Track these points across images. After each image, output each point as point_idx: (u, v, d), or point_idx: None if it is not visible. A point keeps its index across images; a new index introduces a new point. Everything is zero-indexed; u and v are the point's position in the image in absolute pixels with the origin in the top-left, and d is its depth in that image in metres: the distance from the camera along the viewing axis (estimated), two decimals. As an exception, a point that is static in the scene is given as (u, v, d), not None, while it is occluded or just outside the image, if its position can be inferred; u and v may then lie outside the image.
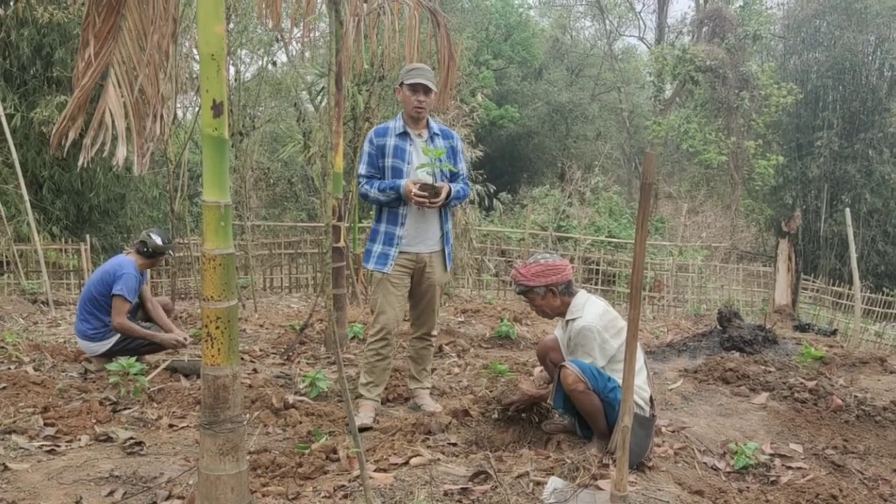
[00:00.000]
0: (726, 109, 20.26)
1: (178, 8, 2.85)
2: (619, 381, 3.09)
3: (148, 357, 5.13)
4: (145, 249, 5.15)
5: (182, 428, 3.91)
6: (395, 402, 4.60)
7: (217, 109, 2.45)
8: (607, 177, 21.19)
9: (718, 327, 6.43)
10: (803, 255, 13.95)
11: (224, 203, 2.50)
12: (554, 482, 2.85)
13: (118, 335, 4.98)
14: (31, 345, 5.62)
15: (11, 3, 10.14)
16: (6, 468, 3.13)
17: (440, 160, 3.97)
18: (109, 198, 12.37)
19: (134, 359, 4.57)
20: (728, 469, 3.51)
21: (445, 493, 2.80)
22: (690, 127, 20.26)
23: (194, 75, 9.17)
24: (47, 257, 9.50)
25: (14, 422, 3.70)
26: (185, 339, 5.12)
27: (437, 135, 4.21)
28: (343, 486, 2.92)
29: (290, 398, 4.33)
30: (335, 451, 3.38)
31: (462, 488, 2.84)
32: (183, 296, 10.52)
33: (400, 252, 4.08)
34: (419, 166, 4.00)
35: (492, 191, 13.54)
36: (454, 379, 5.28)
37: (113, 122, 2.75)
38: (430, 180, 3.94)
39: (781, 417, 4.28)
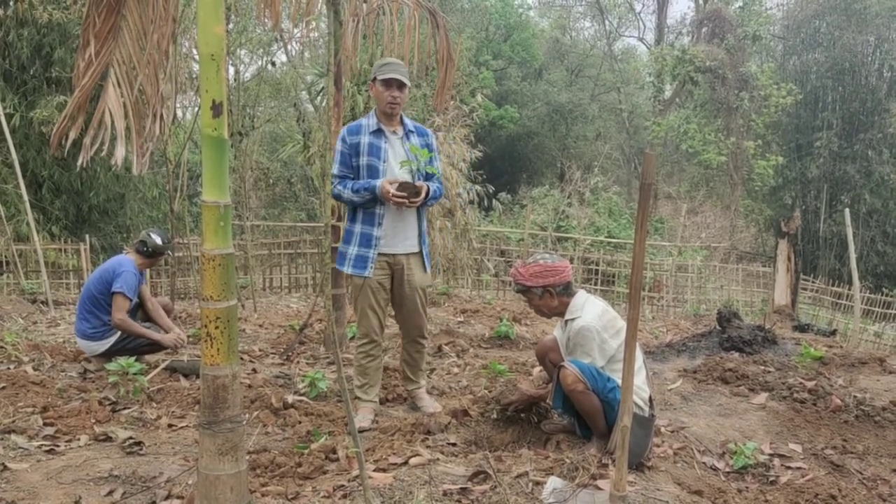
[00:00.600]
0: (726, 110, 20.27)
1: (178, 8, 2.85)
2: (619, 381, 3.09)
3: (147, 357, 5.13)
4: (145, 249, 5.16)
5: (181, 428, 3.91)
6: (394, 402, 4.60)
7: (216, 109, 2.45)
8: (607, 177, 21.20)
9: (718, 327, 6.44)
10: (803, 256, 13.96)
11: (223, 203, 2.50)
12: (553, 482, 2.85)
13: (118, 335, 4.99)
14: (31, 344, 5.62)
15: (11, 4, 10.13)
16: (5, 468, 3.13)
17: (425, 161, 3.88)
18: (109, 197, 12.37)
19: (133, 358, 4.57)
20: (727, 469, 3.51)
21: (445, 493, 2.80)
22: (690, 127, 20.27)
23: (194, 75, 9.17)
24: (47, 257, 9.50)
25: (13, 421, 3.70)
26: (184, 339, 5.13)
27: (412, 132, 4.11)
28: (342, 485, 2.92)
29: (290, 398, 4.33)
30: (334, 451, 3.38)
31: (461, 488, 2.84)
32: (182, 296, 10.52)
33: (378, 254, 3.98)
34: (402, 164, 3.89)
35: (491, 191, 13.54)
36: (453, 379, 5.28)
37: (112, 121, 2.75)
38: (408, 179, 3.85)
39: (780, 417, 4.28)
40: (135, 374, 4.37)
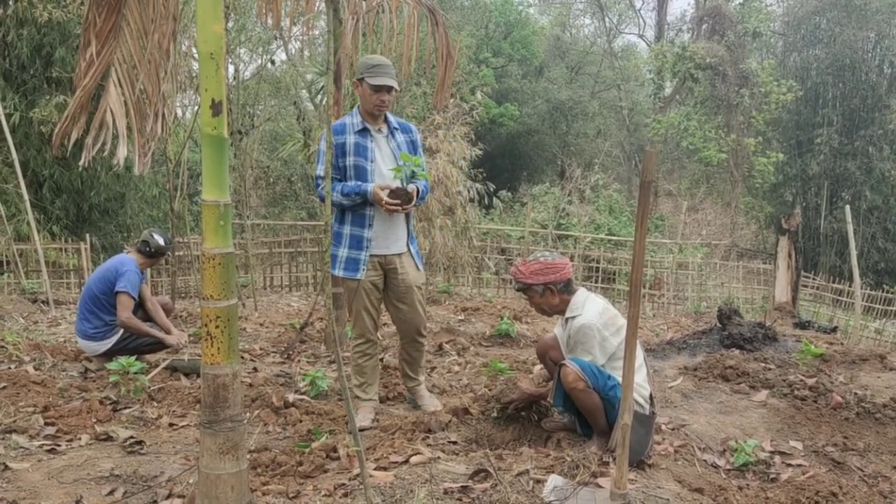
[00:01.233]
0: (726, 107, 20.25)
1: (178, 6, 2.85)
2: (619, 379, 3.09)
3: (148, 356, 5.13)
4: (147, 249, 5.16)
5: (182, 427, 3.92)
6: (394, 400, 4.61)
7: (216, 108, 2.45)
8: (607, 174, 21.21)
9: (718, 325, 6.43)
10: (803, 253, 13.98)
11: (223, 202, 2.50)
12: (554, 480, 2.85)
13: (119, 335, 4.99)
14: (32, 344, 5.62)
15: (11, 3, 10.13)
16: (6, 467, 3.13)
17: (415, 167, 3.81)
18: (109, 197, 12.37)
19: (134, 358, 4.58)
20: (728, 466, 3.51)
21: (445, 492, 2.80)
22: (690, 124, 20.26)
23: (193, 74, 9.16)
24: (47, 256, 9.50)
25: (14, 421, 3.71)
26: (186, 339, 5.14)
27: (397, 129, 4.06)
28: (343, 484, 2.92)
29: (291, 397, 4.33)
30: (335, 450, 3.39)
31: (462, 486, 2.84)
32: (183, 295, 10.53)
33: (370, 255, 3.94)
34: (396, 175, 3.80)
35: (492, 189, 13.53)
36: (454, 377, 5.28)
37: (114, 121, 2.75)
38: (397, 184, 3.80)
39: (781, 415, 4.28)
40: (135, 373, 4.37)
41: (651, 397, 3.38)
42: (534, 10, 31.34)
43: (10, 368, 4.80)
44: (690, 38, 22.80)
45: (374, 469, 3.05)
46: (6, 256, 9.14)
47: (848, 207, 9.72)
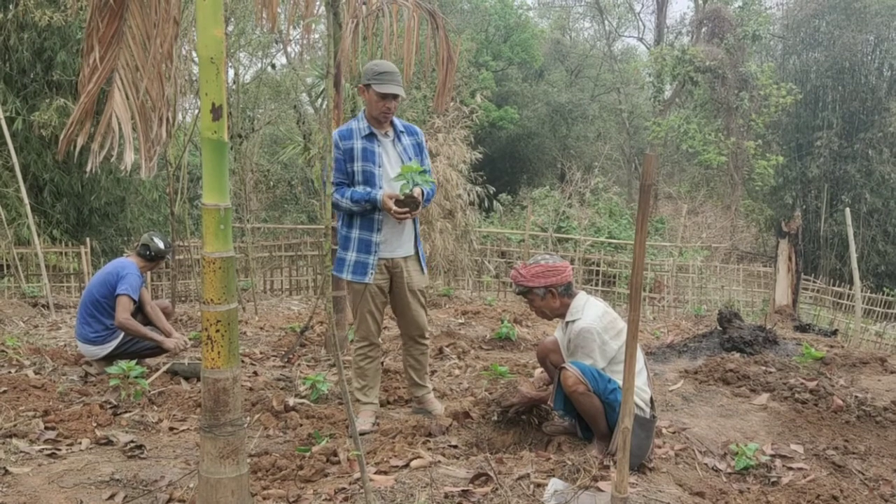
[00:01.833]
0: (726, 110, 20.27)
1: (180, 10, 2.85)
2: (620, 383, 3.09)
3: (148, 360, 5.13)
4: (147, 252, 5.17)
5: (182, 431, 3.92)
6: (395, 404, 4.60)
7: (216, 113, 2.45)
8: (607, 178, 21.19)
9: (719, 328, 6.43)
10: (803, 256, 13.96)
11: (224, 206, 2.50)
12: (554, 484, 2.85)
13: (119, 339, 4.99)
14: (32, 348, 5.63)
15: (11, 7, 10.14)
16: (7, 472, 3.13)
17: (417, 175, 3.81)
18: (110, 201, 12.38)
19: (134, 362, 4.58)
20: (729, 470, 3.51)
21: (446, 496, 2.80)
22: (690, 127, 20.27)
23: (193, 78, 9.17)
24: (47, 260, 9.51)
25: (15, 425, 3.71)
26: (185, 343, 5.13)
27: (402, 132, 4.07)
28: (344, 488, 2.92)
29: (291, 401, 4.33)
30: (336, 454, 3.38)
31: (463, 490, 2.84)
32: (183, 298, 10.53)
33: (378, 258, 3.95)
34: (401, 188, 3.80)
35: (491, 192, 13.54)
36: (454, 381, 5.28)
37: (120, 126, 2.75)
38: (405, 190, 3.80)
39: (782, 418, 4.27)
40: (136, 377, 4.37)
41: (651, 401, 3.38)
42: (533, 13, 31.43)
43: (10, 372, 4.80)
44: (690, 41, 22.82)
45: (375, 473, 3.05)
46: (6, 260, 9.14)
47: (848, 210, 9.73)
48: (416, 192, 3.80)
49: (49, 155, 10.83)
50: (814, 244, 20.27)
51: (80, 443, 3.59)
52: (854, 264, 9.58)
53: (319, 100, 16.66)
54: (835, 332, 8.62)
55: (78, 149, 2.79)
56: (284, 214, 18.81)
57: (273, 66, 16.34)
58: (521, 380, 4.07)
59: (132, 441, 3.60)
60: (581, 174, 18.26)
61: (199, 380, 4.62)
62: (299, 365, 5.61)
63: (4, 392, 4.25)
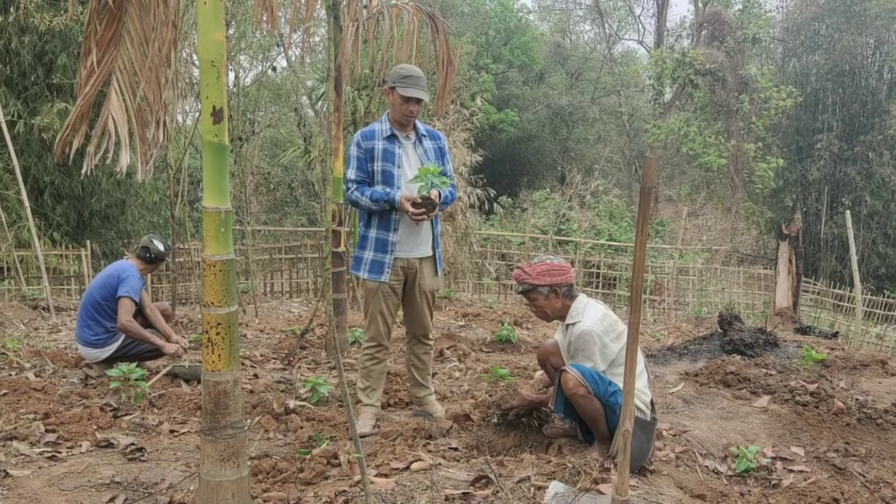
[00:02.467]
0: (726, 112, 20.29)
1: (178, 14, 2.86)
2: (620, 385, 3.09)
3: (149, 363, 5.13)
4: (147, 255, 5.17)
5: (183, 433, 3.91)
6: (395, 406, 4.60)
7: (217, 116, 2.46)
8: (607, 180, 21.22)
9: (719, 330, 6.43)
10: (804, 258, 13.94)
11: (224, 209, 2.51)
12: (555, 486, 2.85)
13: (120, 342, 4.99)
14: (32, 351, 5.62)
15: (13, 11, 10.17)
16: (7, 475, 3.13)
17: (434, 177, 3.83)
18: (110, 203, 12.39)
19: (134, 364, 4.58)
20: (729, 472, 3.50)
21: (447, 498, 2.80)
22: (690, 130, 20.29)
23: (194, 81, 9.19)
24: (48, 263, 9.51)
25: (15, 428, 3.71)
26: (185, 346, 5.14)
27: (425, 136, 4.12)
28: (344, 491, 2.91)
29: (291, 403, 4.33)
30: (336, 457, 3.38)
31: (463, 493, 2.83)
32: (184, 301, 10.53)
33: (395, 258, 3.99)
34: (420, 189, 3.83)
35: (492, 194, 13.56)
36: (455, 383, 5.28)
37: (116, 129, 2.76)
38: (422, 192, 3.83)
39: (783, 420, 4.27)
40: (136, 379, 4.37)
41: (652, 403, 3.38)
42: (534, 16, 31.48)
43: (10, 375, 4.80)
44: (690, 44, 22.86)
45: (375, 475, 3.05)
46: (7, 263, 9.15)
47: (848, 213, 9.73)
48: (434, 193, 3.83)
49: (50, 158, 10.84)
50: (814, 246, 20.27)
51: (81, 445, 3.59)
52: (854, 266, 9.58)
53: (320, 103, 16.67)
54: (835, 335, 8.62)
55: (73, 151, 2.79)
56: (285, 217, 18.82)
57: (274, 69, 16.35)
58: (521, 382, 4.07)
59: (132, 444, 3.60)
60: (581, 177, 18.29)
61: (199, 382, 4.62)
62: (300, 367, 5.61)
63: (5, 395, 4.25)
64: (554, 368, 3.65)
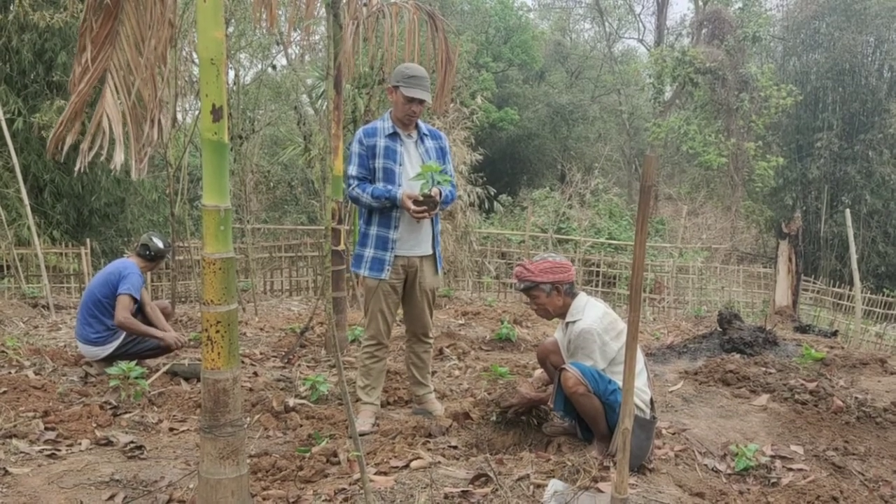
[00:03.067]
0: (726, 111, 20.27)
1: (176, 12, 2.86)
2: (620, 384, 3.09)
3: (148, 361, 5.13)
4: (147, 252, 5.17)
5: (182, 431, 3.92)
6: (395, 405, 4.60)
7: (216, 114, 2.46)
8: (607, 179, 21.23)
9: (719, 329, 6.43)
10: (804, 257, 13.95)
11: (224, 207, 2.50)
12: (554, 485, 2.85)
13: (120, 340, 4.99)
14: (32, 349, 5.63)
15: (12, 8, 10.16)
16: (7, 472, 3.13)
17: (438, 175, 3.86)
18: (110, 202, 12.38)
19: (134, 363, 4.58)
20: (729, 471, 3.51)
21: (446, 496, 2.80)
22: (690, 129, 20.28)
23: (194, 79, 9.18)
24: (47, 261, 9.51)
25: (14, 426, 3.71)
26: (184, 340, 5.14)
27: (426, 135, 4.13)
28: (343, 489, 2.92)
29: (291, 401, 4.33)
30: (336, 455, 3.38)
31: (462, 491, 2.84)
32: (183, 299, 10.53)
33: (395, 256, 4.00)
34: (422, 186, 3.85)
35: (492, 193, 13.55)
36: (454, 381, 5.28)
37: (110, 127, 2.75)
38: (424, 190, 3.85)
39: (782, 419, 4.27)
40: (136, 377, 4.37)
41: (651, 402, 3.38)
42: (534, 14, 31.47)
43: (10, 373, 4.80)
44: (690, 42, 22.83)
45: (375, 474, 3.05)
46: (7, 261, 9.14)
47: (848, 211, 9.73)
48: (435, 192, 3.84)
49: (46, 156, 10.83)
50: (814, 245, 20.27)
51: (80, 443, 3.59)
52: (854, 265, 9.58)
53: (320, 101, 16.66)
54: (835, 333, 8.62)
55: (67, 148, 2.79)
56: (284, 215, 18.82)
57: (273, 68, 16.35)
58: (520, 380, 4.07)
59: (132, 442, 3.60)
60: (581, 175, 18.29)
61: (199, 380, 4.63)
62: (299, 366, 5.61)
63: (4, 393, 4.25)
64: (553, 367, 3.65)
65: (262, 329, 7.40)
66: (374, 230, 4.01)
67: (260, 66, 16.30)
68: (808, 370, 5.21)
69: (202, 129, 2.47)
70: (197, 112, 10.31)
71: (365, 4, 5.49)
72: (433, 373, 5.46)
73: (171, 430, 3.93)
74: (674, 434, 3.87)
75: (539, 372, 4.08)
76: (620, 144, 28.66)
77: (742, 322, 6.48)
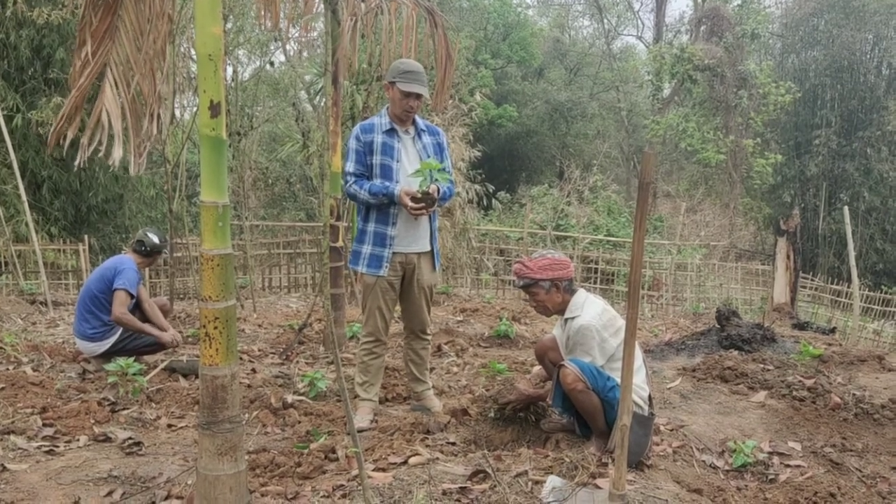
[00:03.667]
0: (724, 108, 20.26)
1: (174, 7, 2.85)
2: (618, 380, 3.09)
3: (146, 357, 5.13)
4: (143, 248, 5.17)
5: (181, 428, 3.91)
6: (393, 401, 4.60)
7: (214, 110, 2.45)
8: (606, 176, 21.21)
9: (717, 326, 6.44)
10: (802, 254, 13.95)
11: (222, 203, 2.50)
12: (552, 481, 2.85)
13: (117, 336, 4.99)
14: (30, 345, 5.62)
15: (10, 4, 10.13)
16: (5, 469, 3.13)
17: (436, 172, 3.83)
18: (108, 198, 12.37)
19: (132, 359, 4.57)
20: (727, 467, 3.51)
21: (444, 493, 2.80)
22: (689, 126, 20.27)
23: (192, 75, 9.16)
24: (45, 258, 9.50)
25: (13, 422, 3.70)
26: (181, 339, 5.14)
27: (424, 131, 4.11)
28: (342, 485, 2.92)
29: (289, 398, 4.33)
30: (334, 451, 3.38)
31: (461, 487, 2.84)
32: (181, 296, 10.51)
33: (393, 253, 3.99)
34: (420, 182, 3.83)
35: (490, 190, 13.54)
36: (453, 378, 5.28)
37: (110, 122, 2.75)
38: (422, 187, 3.83)
39: (780, 415, 4.28)
40: (134, 374, 4.37)
41: (650, 398, 3.38)
42: (532, 11, 31.45)
43: (8, 369, 4.79)
44: (689, 39, 22.82)
45: (373, 470, 3.05)
46: (4, 257, 9.13)
47: (846, 209, 9.74)
48: (433, 189, 3.83)
49: (47, 152, 10.82)
50: (812, 242, 20.30)
51: (78, 439, 3.59)
52: (852, 262, 9.59)
53: (318, 97, 16.64)
54: (833, 330, 8.63)
55: (67, 143, 2.78)
56: (283, 212, 18.79)
57: (272, 64, 16.30)
58: (518, 377, 4.08)
59: (130, 438, 3.60)
60: (580, 172, 18.27)
61: (197, 377, 4.63)
62: (298, 362, 5.61)
63: (2, 389, 4.25)
64: (552, 363, 3.66)
65: (260, 325, 7.39)
66: (371, 227, 4.00)
67: (258, 63, 16.26)
68: (806, 367, 5.22)
69: (200, 126, 2.46)
70: (195, 108, 10.30)
71: (363, 0, 5.48)
72: (431, 369, 5.46)
73: (170, 426, 3.93)
74: (672, 430, 3.88)
75: (537, 368, 4.08)
76: (619, 141, 28.66)
77: (740, 319, 6.49)
